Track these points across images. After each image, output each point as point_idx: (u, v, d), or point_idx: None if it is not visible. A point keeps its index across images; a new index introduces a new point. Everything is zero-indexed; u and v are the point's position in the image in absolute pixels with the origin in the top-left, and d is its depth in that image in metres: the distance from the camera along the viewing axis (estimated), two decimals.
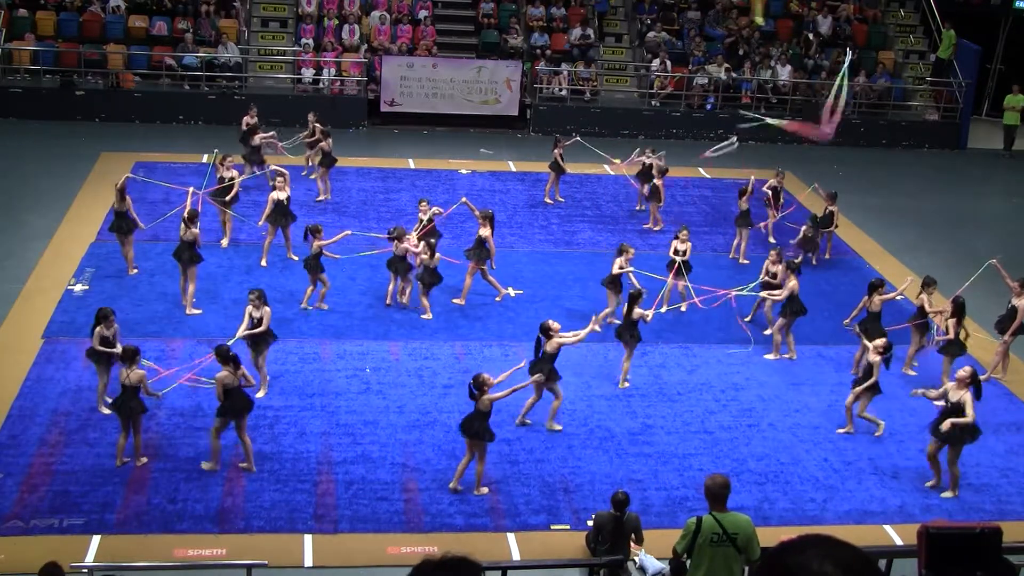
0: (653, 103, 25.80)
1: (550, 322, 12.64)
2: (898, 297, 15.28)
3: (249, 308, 12.98)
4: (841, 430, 13.11)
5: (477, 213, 16.19)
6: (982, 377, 14.29)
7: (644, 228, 19.35)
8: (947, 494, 12.01)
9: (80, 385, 13.04)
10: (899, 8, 28.84)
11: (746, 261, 17.89)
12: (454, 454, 12.13)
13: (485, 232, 15.69)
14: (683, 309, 15.71)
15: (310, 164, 20.42)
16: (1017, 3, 28.79)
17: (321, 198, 19.57)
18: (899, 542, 10.97)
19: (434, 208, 16.45)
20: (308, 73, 24.78)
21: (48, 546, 10.03)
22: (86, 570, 9.81)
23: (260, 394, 12.99)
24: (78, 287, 15.70)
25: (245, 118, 19.69)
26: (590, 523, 10.79)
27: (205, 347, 14.06)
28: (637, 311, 13.62)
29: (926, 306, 14.39)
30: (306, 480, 11.59)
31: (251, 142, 19.27)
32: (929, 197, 22.84)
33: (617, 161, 20.87)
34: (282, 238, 16.87)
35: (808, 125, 19.49)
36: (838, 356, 14.93)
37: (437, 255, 15.24)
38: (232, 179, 17.34)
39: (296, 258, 16.77)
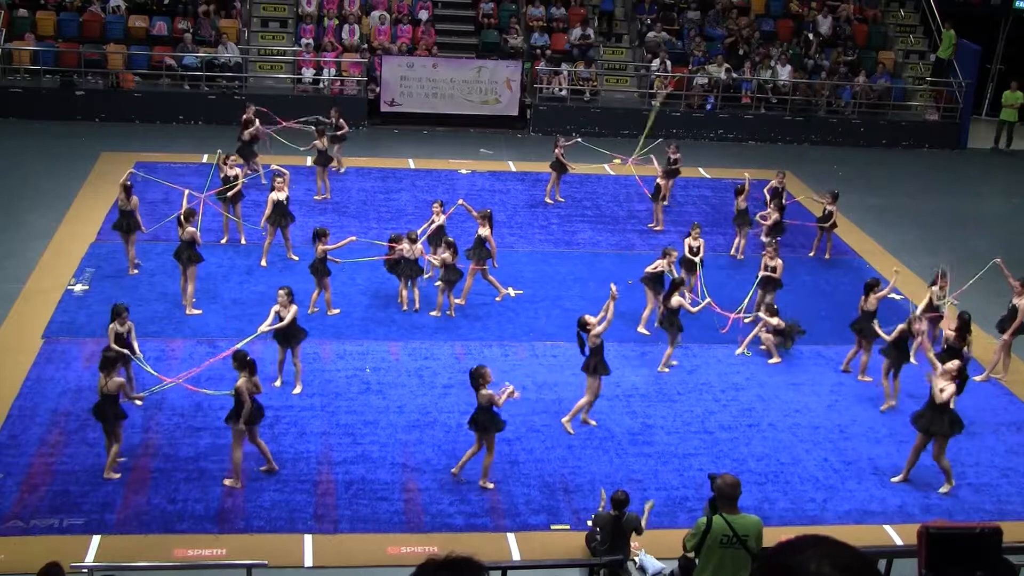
0: (653, 103, 25.77)
1: (587, 317, 12.68)
2: (895, 296, 15.29)
3: (276, 306, 12.98)
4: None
5: (475, 213, 16.20)
6: (979, 377, 14.33)
7: (647, 228, 19.36)
8: (943, 489, 12.03)
9: (80, 385, 13.03)
10: (899, 8, 28.84)
11: (741, 256, 17.98)
12: (454, 454, 12.14)
13: (484, 232, 15.70)
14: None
15: (341, 168, 20.93)
16: (1017, 3, 28.78)
17: (320, 197, 19.59)
18: (899, 542, 10.97)
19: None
20: (308, 73, 24.79)
21: (48, 546, 10.03)
22: (86, 570, 9.80)
23: (296, 390, 13.17)
24: (78, 287, 15.70)
25: (244, 117, 19.70)
26: (590, 523, 10.80)
27: (205, 347, 14.10)
28: (676, 299, 13.88)
29: (934, 299, 14.52)
30: (306, 480, 11.59)
31: (241, 137, 19.31)
32: (929, 197, 22.84)
33: (618, 160, 20.89)
34: (281, 238, 16.86)
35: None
36: (838, 356, 14.92)
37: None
38: (236, 177, 17.33)
39: (296, 258, 16.77)
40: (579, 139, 21.15)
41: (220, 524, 10.81)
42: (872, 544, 10.29)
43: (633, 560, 10.53)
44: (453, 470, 11.61)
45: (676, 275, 14.87)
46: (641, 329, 15.30)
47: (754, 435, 13.03)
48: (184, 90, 24.29)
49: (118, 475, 11.41)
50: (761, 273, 15.64)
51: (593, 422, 12.90)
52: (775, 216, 17.59)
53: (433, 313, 15.38)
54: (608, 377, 12.94)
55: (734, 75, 26.06)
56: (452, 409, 13.08)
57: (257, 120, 19.61)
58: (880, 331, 13.63)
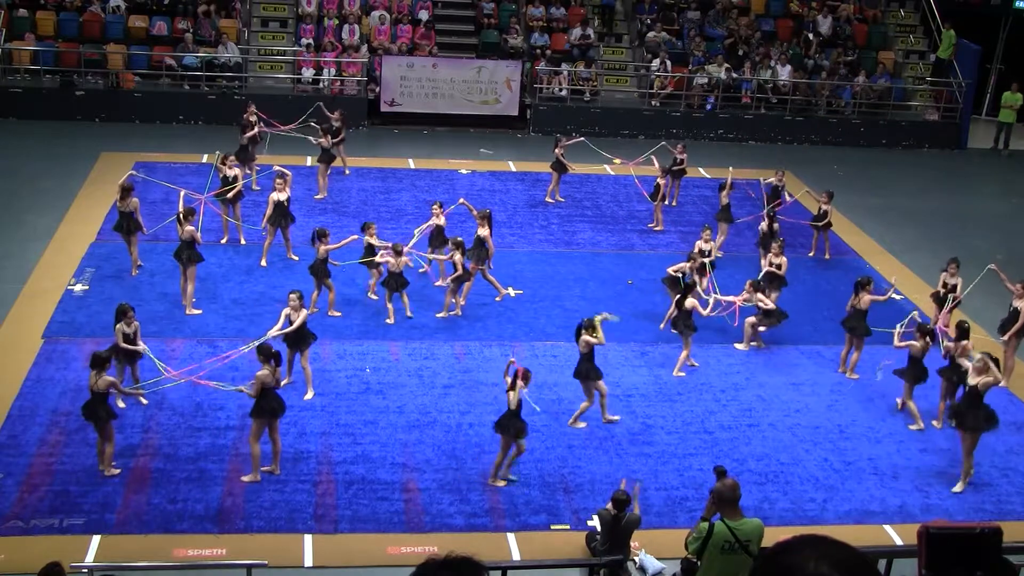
0: (653, 103, 25.80)
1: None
2: (896, 296, 15.29)
3: (287, 309, 12.98)
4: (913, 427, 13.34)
5: (475, 213, 16.20)
6: (1002, 384, 14.29)
7: (647, 228, 19.36)
8: (957, 488, 12.09)
9: (80, 385, 13.02)
10: (899, 8, 28.84)
11: (720, 254, 17.58)
12: (454, 454, 12.15)
13: (484, 232, 15.70)
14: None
15: (346, 169, 20.99)
16: (1017, 3, 28.76)
17: (319, 196, 19.58)
18: (899, 542, 10.97)
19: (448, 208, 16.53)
20: (308, 73, 24.79)
21: (48, 546, 10.03)
22: (86, 570, 9.80)
23: (308, 396, 13.13)
24: (78, 287, 15.71)
25: (245, 116, 19.70)
26: (590, 523, 10.80)
27: (205, 347, 14.10)
28: (690, 301, 13.99)
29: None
30: (306, 480, 11.59)
31: (240, 140, 19.32)
32: (929, 197, 22.84)
33: (618, 161, 20.89)
34: (281, 238, 16.86)
35: None
36: (838, 356, 14.91)
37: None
38: (235, 178, 17.33)
39: (296, 258, 16.78)
40: (583, 138, 21.13)
41: (220, 524, 10.81)
42: (872, 544, 10.29)
43: (633, 560, 10.53)
44: (489, 479, 11.72)
45: (690, 278, 15.00)
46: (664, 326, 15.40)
47: (754, 435, 13.03)
48: (184, 90, 24.29)
49: (118, 470, 11.42)
50: (766, 269, 15.69)
51: (583, 424, 12.90)
52: (767, 223, 17.44)
53: (440, 315, 15.37)
54: (608, 377, 12.94)
55: (734, 75, 26.06)
56: (452, 409, 13.09)
57: (260, 124, 19.58)
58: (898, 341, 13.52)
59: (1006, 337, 14.51)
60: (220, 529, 10.75)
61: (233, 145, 19.47)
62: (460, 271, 15.10)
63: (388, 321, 15.11)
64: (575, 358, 12.94)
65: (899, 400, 13.58)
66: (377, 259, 15.26)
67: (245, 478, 11.43)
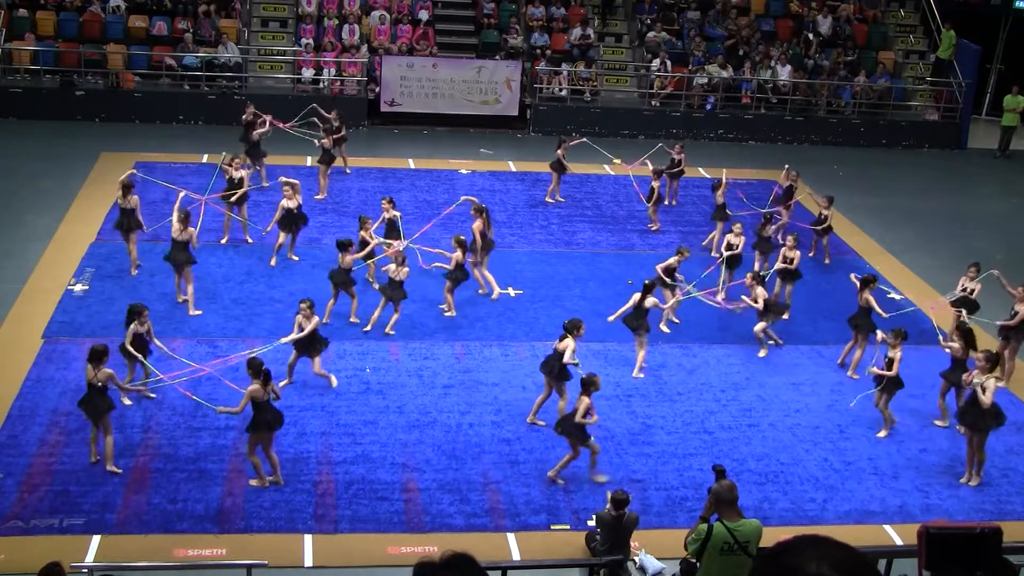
0: (653, 103, 25.80)
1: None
2: (895, 296, 15.30)
3: (299, 317, 13.05)
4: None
5: (475, 203, 16.31)
6: (1002, 384, 14.31)
7: (647, 228, 19.35)
8: (973, 481, 12.22)
9: (80, 385, 12.97)
10: (899, 8, 28.84)
11: (716, 255, 17.61)
12: (454, 454, 12.15)
13: (476, 224, 15.74)
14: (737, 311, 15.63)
15: (348, 168, 21.01)
16: (1017, 3, 28.77)
17: (319, 196, 19.58)
18: (899, 542, 10.97)
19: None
20: (308, 73, 24.79)
21: (48, 546, 10.03)
22: (86, 570, 9.79)
23: (333, 383, 13.41)
24: (78, 287, 15.71)
25: (244, 116, 19.69)
26: (590, 523, 10.80)
27: (205, 347, 14.10)
28: (650, 300, 13.86)
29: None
30: (306, 480, 11.59)
31: (250, 138, 19.30)
32: (929, 197, 22.84)
33: (617, 161, 20.88)
34: (288, 239, 16.88)
35: None
36: (838, 356, 14.91)
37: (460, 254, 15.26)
38: (241, 180, 17.29)
39: (296, 258, 16.81)
40: (585, 139, 21.13)
41: (220, 524, 10.81)
42: (872, 544, 10.29)
43: (633, 560, 10.54)
44: (550, 473, 11.77)
45: (668, 281, 14.96)
46: (663, 327, 15.37)
47: (754, 435, 13.03)
48: (184, 90, 24.29)
49: (119, 470, 11.42)
50: (779, 264, 15.72)
51: (542, 422, 12.83)
52: (785, 218, 17.58)
53: (448, 313, 15.39)
54: (608, 377, 12.92)
55: (734, 75, 26.05)
56: (452, 409, 13.09)
57: (267, 119, 19.52)
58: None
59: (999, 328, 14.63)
60: (220, 529, 10.75)
61: (233, 145, 19.47)
62: (454, 267, 15.09)
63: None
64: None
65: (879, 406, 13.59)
66: (378, 243, 15.30)
67: (253, 482, 11.43)
